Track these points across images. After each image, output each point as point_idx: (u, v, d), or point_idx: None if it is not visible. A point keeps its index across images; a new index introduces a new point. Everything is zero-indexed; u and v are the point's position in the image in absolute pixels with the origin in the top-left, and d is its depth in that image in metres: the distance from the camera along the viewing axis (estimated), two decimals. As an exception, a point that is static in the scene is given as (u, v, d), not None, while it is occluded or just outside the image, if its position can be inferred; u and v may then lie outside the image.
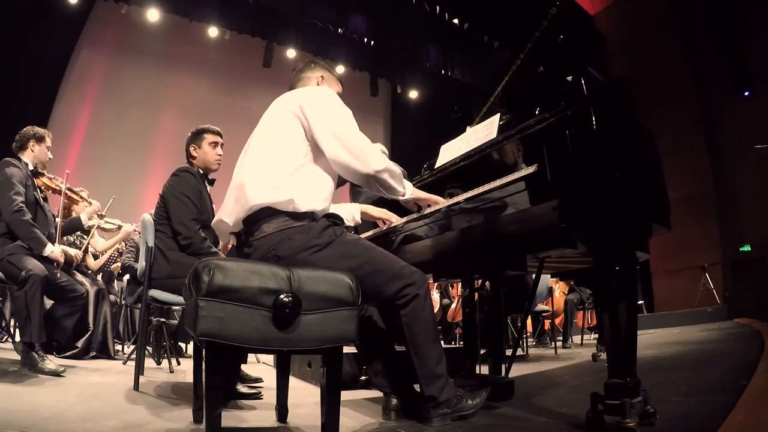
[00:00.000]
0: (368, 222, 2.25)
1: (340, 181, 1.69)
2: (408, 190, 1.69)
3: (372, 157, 1.55)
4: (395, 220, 2.05)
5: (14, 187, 2.58)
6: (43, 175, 2.90)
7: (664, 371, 2.44)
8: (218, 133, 2.54)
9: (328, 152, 1.53)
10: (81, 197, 3.21)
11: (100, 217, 3.58)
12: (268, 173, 1.50)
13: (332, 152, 1.53)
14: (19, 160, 2.77)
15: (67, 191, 3.03)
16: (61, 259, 2.72)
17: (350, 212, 2.15)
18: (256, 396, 2.16)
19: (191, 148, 2.52)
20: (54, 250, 2.65)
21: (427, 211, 1.78)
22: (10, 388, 2.03)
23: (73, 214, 3.36)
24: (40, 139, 2.84)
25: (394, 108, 10.12)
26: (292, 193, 1.46)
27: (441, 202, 1.75)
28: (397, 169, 1.63)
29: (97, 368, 2.82)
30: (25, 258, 2.50)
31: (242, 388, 2.17)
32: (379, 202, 2.17)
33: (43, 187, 2.87)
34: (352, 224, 2.16)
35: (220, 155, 2.53)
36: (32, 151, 2.82)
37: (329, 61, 2.09)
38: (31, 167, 2.80)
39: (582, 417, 1.41)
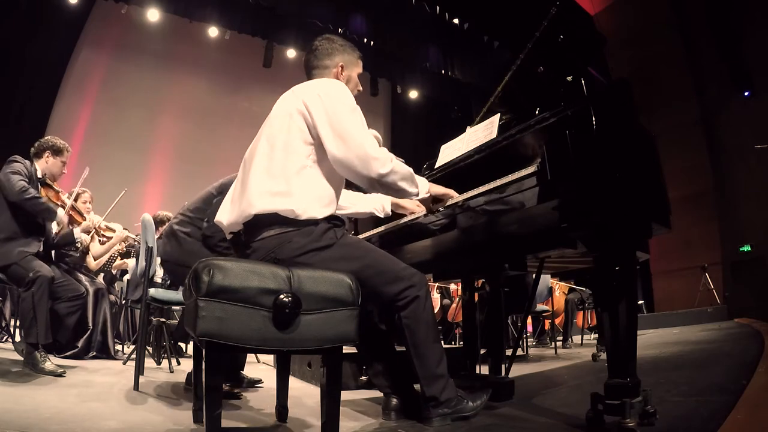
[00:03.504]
0: (369, 219, 2.23)
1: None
2: (422, 189, 1.62)
3: (375, 160, 1.47)
4: (424, 211, 1.90)
5: (17, 175, 2.62)
6: (50, 187, 2.89)
7: (664, 371, 2.44)
8: None
9: (331, 153, 1.48)
10: (83, 217, 3.19)
11: (99, 234, 3.63)
12: (270, 178, 1.46)
13: (335, 153, 1.47)
14: (31, 163, 2.79)
15: (70, 210, 3.01)
16: (66, 219, 2.90)
17: (381, 203, 2.07)
18: (236, 396, 2.17)
19: None
20: (61, 214, 2.83)
21: (444, 206, 1.72)
22: (11, 388, 2.03)
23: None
24: (57, 152, 2.87)
25: (394, 108, 10.11)
26: (293, 203, 1.43)
27: (455, 196, 1.69)
28: (405, 169, 1.56)
29: (97, 368, 2.82)
30: (32, 260, 2.54)
31: (224, 387, 2.17)
32: None
33: (45, 199, 2.81)
34: (381, 215, 2.07)
35: None
36: (46, 162, 2.85)
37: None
38: (39, 174, 2.81)
39: (582, 417, 1.41)
